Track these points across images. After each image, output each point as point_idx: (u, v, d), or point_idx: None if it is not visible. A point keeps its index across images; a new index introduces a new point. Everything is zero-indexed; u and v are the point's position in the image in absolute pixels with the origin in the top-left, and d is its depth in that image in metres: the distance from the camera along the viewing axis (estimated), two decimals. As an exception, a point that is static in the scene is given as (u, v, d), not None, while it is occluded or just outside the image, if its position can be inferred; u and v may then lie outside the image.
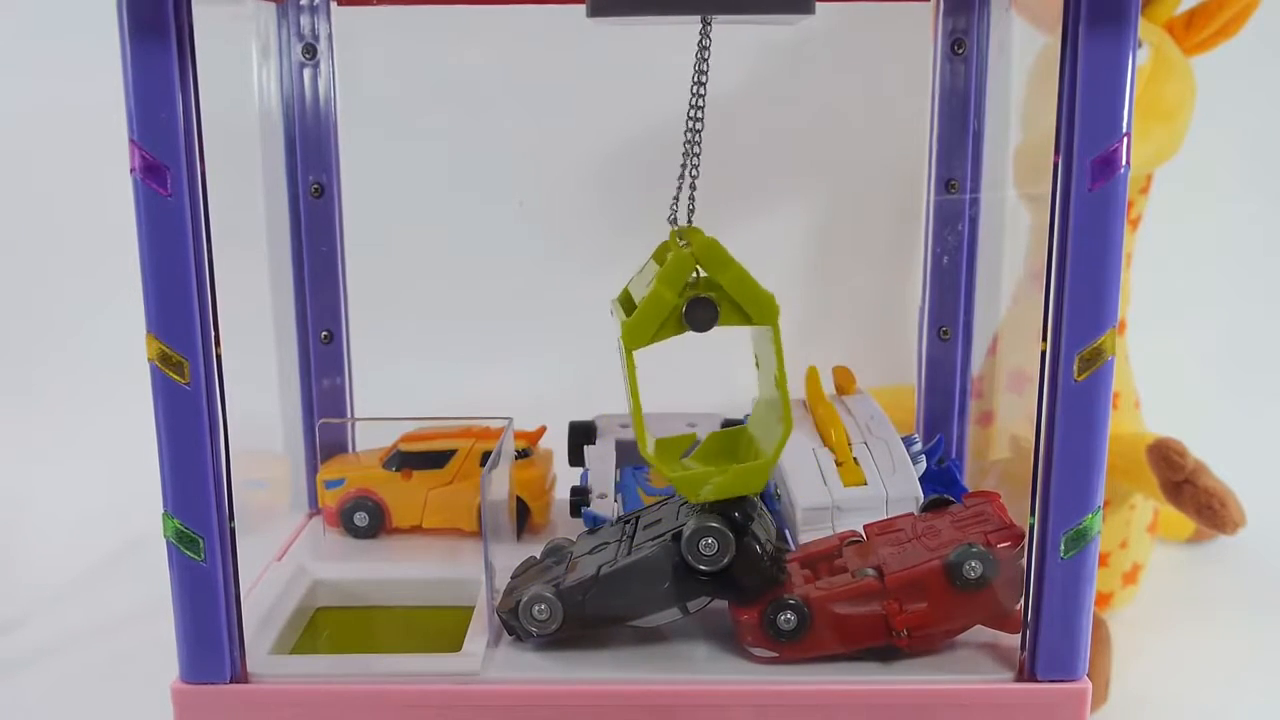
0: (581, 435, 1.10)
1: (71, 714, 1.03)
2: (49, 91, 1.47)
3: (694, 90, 0.87)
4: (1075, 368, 0.74)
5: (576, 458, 1.10)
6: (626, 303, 0.88)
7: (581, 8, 0.93)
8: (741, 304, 0.81)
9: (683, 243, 0.84)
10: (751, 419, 0.92)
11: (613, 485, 1.03)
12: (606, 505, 1.01)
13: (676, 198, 0.86)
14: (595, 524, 0.97)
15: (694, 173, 0.85)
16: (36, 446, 1.50)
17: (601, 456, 1.07)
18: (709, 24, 0.85)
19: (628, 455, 1.08)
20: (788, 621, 0.81)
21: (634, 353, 0.83)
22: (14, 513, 1.42)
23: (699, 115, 0.87)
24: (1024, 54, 1.08)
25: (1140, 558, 1.22)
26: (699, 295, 0.80)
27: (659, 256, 0.88)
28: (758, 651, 0.83)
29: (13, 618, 1.21)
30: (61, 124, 1.46)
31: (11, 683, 1.09)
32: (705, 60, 0.85)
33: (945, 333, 1.09)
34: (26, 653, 1.14)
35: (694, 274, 0.82)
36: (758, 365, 0.88)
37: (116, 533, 1.35)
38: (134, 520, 1.13)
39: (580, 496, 1.02)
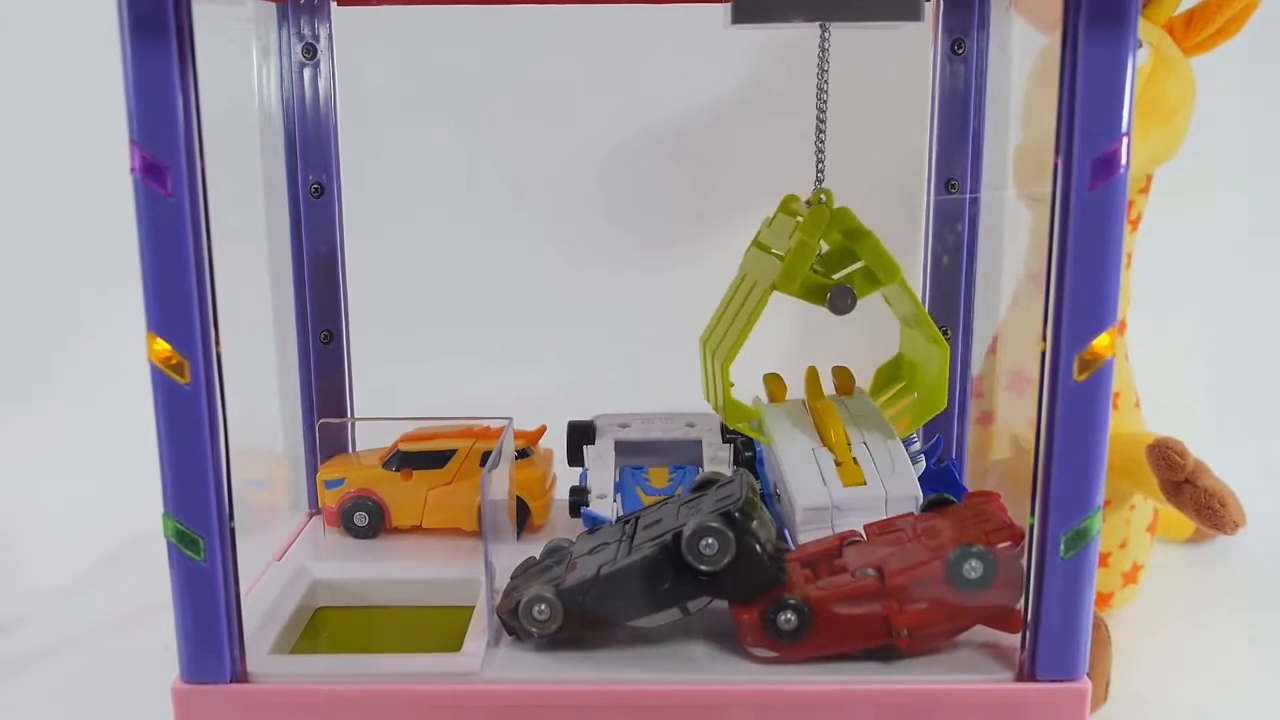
0: (580, 435, 1.10)
1: (72, 714, 1.03)
2: (49, 92, 1.47)
3: (819, 87, 0.98)
4: (1075, 368, 0.74)
5: (575, 458, 1.09)
6: (761, 251, 1.02)
7: (579, 8, 0.93)
8: (875, 268, 0.95)
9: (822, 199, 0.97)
10: (903, 348, 1.06)
11: (612, 485, 1.04)
12: (606, 505, 1.01)
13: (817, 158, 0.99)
14: (594, 524, 0.97)
15: (822, 139, 0.98)
16: (36, 446, 1.50)
17: (601, 456, 1.07)
18: (827, 30, 0.94)
19: (627, 455, 1.08)
20: (788, 621, 0.82)
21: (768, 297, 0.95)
22: (14, 513, 1.42)
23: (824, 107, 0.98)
24: (1024, 54, 1.08)
25: (1140, 558, 1.22)
26: (842, 284, 0.94)
27: (786, 210, 1.04)
28: (758, 651, 0.83)
29: (13, 618, 1.20)
30: (62, 124, 1.46)
31: (12, 683, 1.09)
32: (826, 62, 0.96)
33: (945, 332, 1.09)
34: (26, 653, 1.13)
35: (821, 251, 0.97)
36: (889, 304, 1.01)
37: (116, 533, 1.35)
38: (134, 520, 1.13)
39: (579, 496, 1.02)
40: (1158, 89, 1.11)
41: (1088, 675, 0.80)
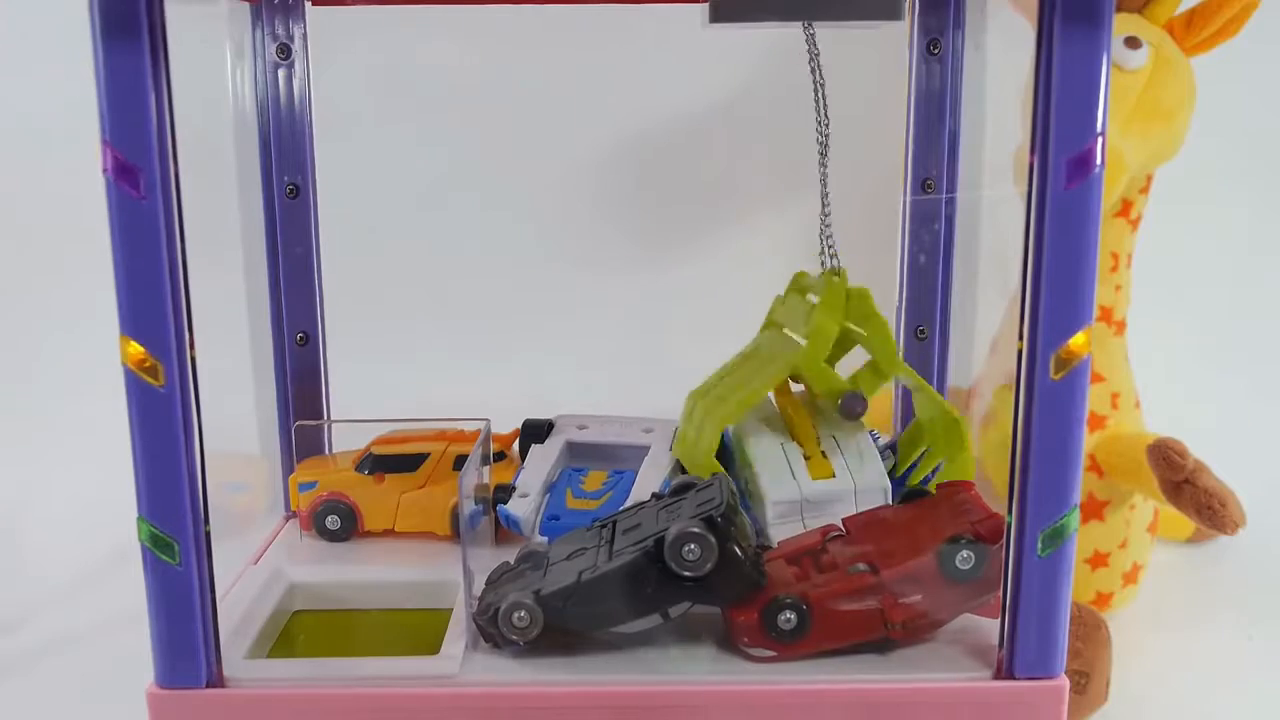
0: (532, 434, 1.10)
1: (72, 714, 1.04)
2: (28, 91, 1.47)
3: (817, 96, 0.97)
4: (1051, 366, 0.74)
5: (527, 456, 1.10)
6: (776, 330, 1.05)
7: (551, 8, 0.93)
8: (879, 359, 0.99)
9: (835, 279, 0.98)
10: (920, 414, 1.05)
11: (540, 485, 1.03)
12: (526, 505, 1.00)
13: (824, 236, 1.00)
14: (507, 522, 0.99)
15: (827, 210, 0.98)
16: (36, 446, 1.50)
17: (544, 456, 1.07)
18: (810, 29, 0.94)
19: (576, 456, 1.08)
20: (788, 621, 0.82)
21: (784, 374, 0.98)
22: (14, 513, 1.43)
23: (825, 128, 0.98)
24: (1004, 54, 1.07)
25: (1140, 558, 1.21)
26: (853, 391, 0.96)
27: (797, 288, 1.07)
28: (755, 651, 0.83)
29: (13, 618, 1.21)
30: (59, 123, 1.46)
31: (11, 683, 1.09)
32: (815, 61, 0.96)
33: (922, 332, 1.09)
34: (26, 653, 1.14)
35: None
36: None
37: (116, 533, 1.34)
38: (134, 520, 1.14)
39: (503, 494, 1.02)
40: (1158, 89, 1.11)
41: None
